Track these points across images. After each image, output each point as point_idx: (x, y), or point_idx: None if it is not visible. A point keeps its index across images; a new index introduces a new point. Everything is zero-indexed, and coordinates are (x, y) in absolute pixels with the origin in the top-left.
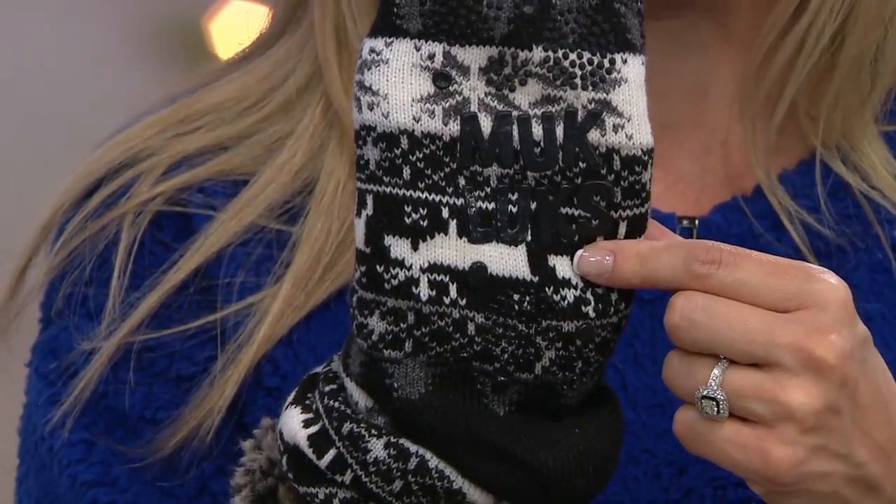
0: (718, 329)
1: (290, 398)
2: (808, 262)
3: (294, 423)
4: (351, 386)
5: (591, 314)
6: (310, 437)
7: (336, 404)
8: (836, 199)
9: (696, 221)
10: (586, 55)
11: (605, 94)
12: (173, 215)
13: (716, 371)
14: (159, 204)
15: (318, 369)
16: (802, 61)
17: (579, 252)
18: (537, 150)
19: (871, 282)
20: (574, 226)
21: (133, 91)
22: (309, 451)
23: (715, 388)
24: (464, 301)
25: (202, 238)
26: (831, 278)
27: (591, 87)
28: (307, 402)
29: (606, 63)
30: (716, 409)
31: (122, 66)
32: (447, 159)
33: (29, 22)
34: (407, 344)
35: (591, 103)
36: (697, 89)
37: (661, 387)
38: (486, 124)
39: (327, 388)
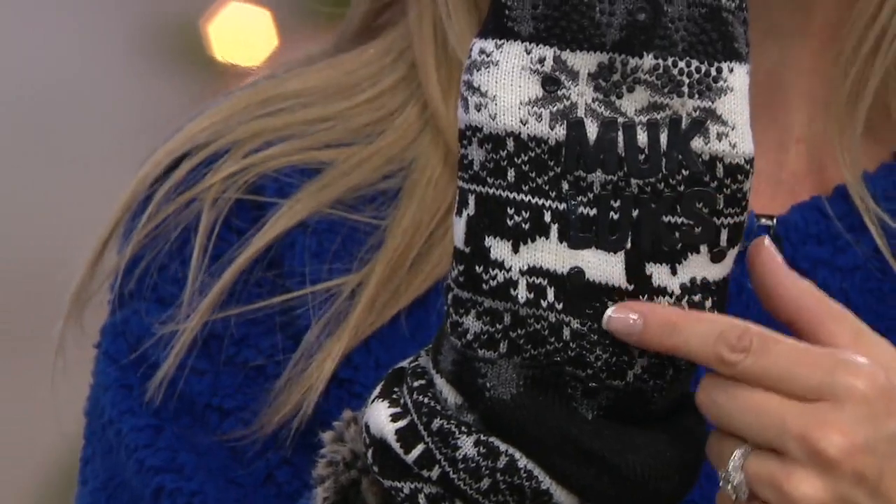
0: (736, 412)
1: (376, 392)
2: (889, 266)
3: (381, 417)
4: (441, 382)
5: None
6: (398, 432)
7: (425, 400)
8: None
9: (775, 220)
10: (694, 63)
11: (710, 103)
12: (250, 202)
13: (737, 453)
14: (239, 187)
15: (405, 364)
16: (882, 55)
17: (608, 312)
18: (641, 157)
19: None
20: (677, 233)
21: (131, 92)
22: (396, 445)
23: (732, 471)
24: (560, 305)
25: (273, 219)
26: (864, 370)
27: (697, 96)
28: (394, 396)
29: (714, 71)
30: (738, 491)
31: (119, 66)
32: (552, 163)
33: (25, 23)
34: (502, 345)
35: (695, 111)
36: (774, 82)
37: None
38: (591, 130)
39: (416, 384)
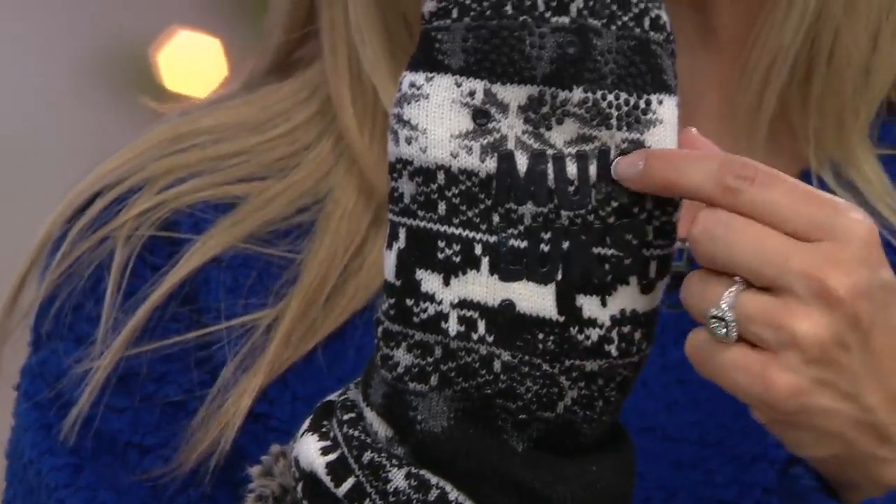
0: (736, 246)
1: (305, 425)
2: None
3: (311, 450)
4: (371, 415)
5: (614, 353)
6: (328, 465)
7: (355, 433)
8: None
9: (687, 243)
10: (623, 96)
11: (639, 135)
12: (165, 239)
13: (729, 292)
14: (152, 223)
15: (333, 397)
16: (777, 69)
17: (617, 159)
18: (571, 189)
19: None
20: (607, 265)
21: (80, 120)
22: (326, 479)
23: (726, 308)
24: (491, 338)
25: (189, 252)
26: (862, 217)
27: (625, 128)
28: (324, 429)
29: (642, 104)
30: (724, 330)
31: (68, 95)
32: (482, 196)
33: None
34: (433, 378)
35: (624, 143)
36: (684, 96)
37: (650, 409)
38: (521, 162)
39: (346, 417)
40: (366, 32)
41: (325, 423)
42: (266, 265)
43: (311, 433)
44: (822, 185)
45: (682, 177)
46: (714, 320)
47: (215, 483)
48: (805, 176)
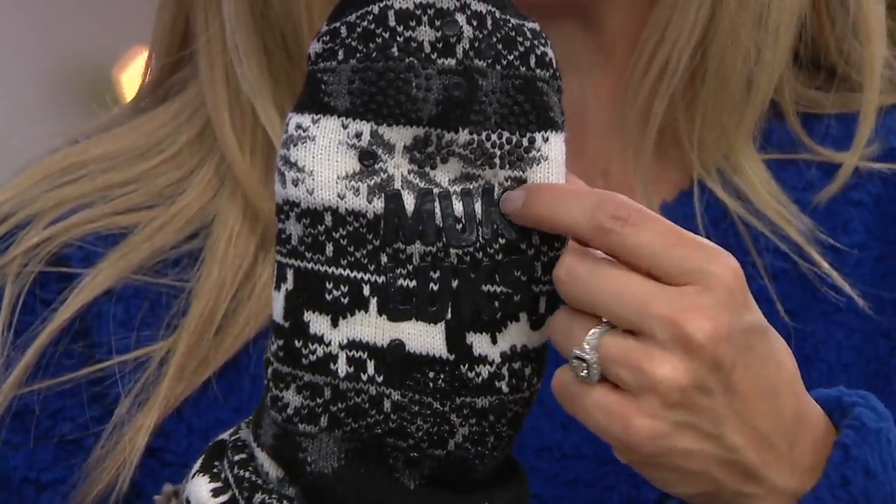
0: (596, 288)
1: (196, 466)
2: None
3: (202, 492)
4: (262, 456)
5: (505, 389)
6: None
7: (246, 474)
8: (717, 228)
9: None
10: (506, 134)
11: (521, 172)
12: (56, 274)
13: (592, 332)
14: (44, 258)
15: (225, 436)
16: (667, 80)
17: (504, 194)
18: (459, 227)
19: None
20: (496, 302)
21: (43, 140)
22: None
23: (588, 349)
24: (381, 378)
25: (80, 286)
26: (729, 261)
27: (508, 166)
28: (215, 470)
29: (525, 142)
30: (586, 371)
31: (30, 114)
32: (370, 237)
33: None
34: (322, 419)
35: (507, 181)
36: (576, 115)
37: (548, 429)
38: (409, 202)
39: (237, 458)
40: (243, 52)
41: (216, 463)
42: (157, 296)
43: (202, 474)
44: (710, 194)
45: (557, 214)
46: (577, 360)
47: None
48: (695, 184)
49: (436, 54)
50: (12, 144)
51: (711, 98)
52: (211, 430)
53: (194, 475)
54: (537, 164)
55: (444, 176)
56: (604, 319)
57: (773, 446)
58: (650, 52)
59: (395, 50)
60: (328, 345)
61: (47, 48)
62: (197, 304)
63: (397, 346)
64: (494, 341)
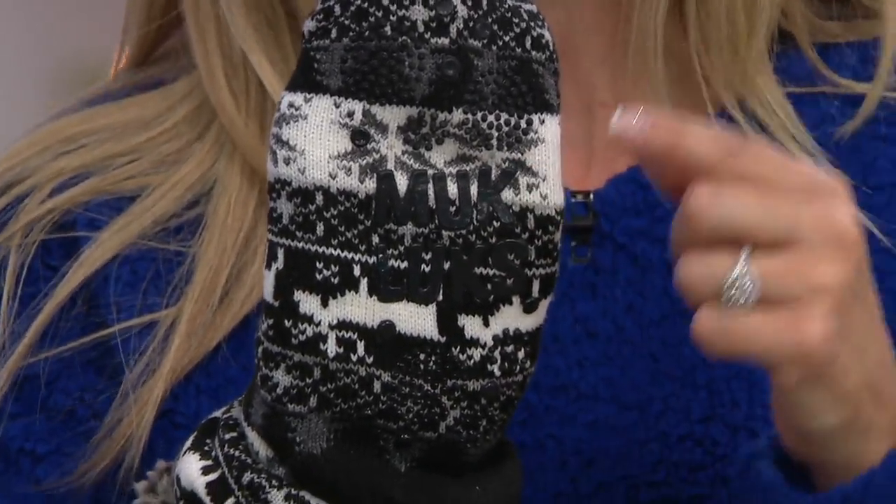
0: (746, 208)
1: (188, 443)
2: None
3: (192, 470)
4: (252, 435)
5: (497, 373)
6: (208, 485)
7: (236, 453)
8: None
9: (591, 196)
10: (504, 116)
11: (519, 154)
12: (60, 239)
13: (742, 257)
14: (46, 226)
15: (218, 414)
16: (657, 3)
17: (618, 111)
18: (452, 209)
19: None
20: (489, 285)
21: None
22: (207, 499)
23: (744, 272)
24: (371, 359)
25: (84, 256)
26: (836, 177)
27: (506, 148)
28: (206, 448)
29: (523, 123)
30: (744, 296)
31: (31, 113)
32: (362, 217)
33: None
34: (312, 399)
35: (505, 162)
36: (567, 45)
37: (563, 367)
38: (401, 182)
39: (227, 436)
40: (234, 6)
41: (207, 441)
42: (163, 262)
43: (192, 452)
44: (732, 122)
45: (686, 142)
46: (732, 289)
47: (104, 489)
48: (718, 115)
49: (429, 33)
50: (11, 141)
51: (713, 22)
52: (221, 388)
53: (185, 452)
54: (535, 147)
55: (439, 157)
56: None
57: (888, 374)
58: None
59: (387, 29)
60: (318, 325)
61: (47, 48)
62: (201, 269)
63: (388, 327)
64: (487, 324)
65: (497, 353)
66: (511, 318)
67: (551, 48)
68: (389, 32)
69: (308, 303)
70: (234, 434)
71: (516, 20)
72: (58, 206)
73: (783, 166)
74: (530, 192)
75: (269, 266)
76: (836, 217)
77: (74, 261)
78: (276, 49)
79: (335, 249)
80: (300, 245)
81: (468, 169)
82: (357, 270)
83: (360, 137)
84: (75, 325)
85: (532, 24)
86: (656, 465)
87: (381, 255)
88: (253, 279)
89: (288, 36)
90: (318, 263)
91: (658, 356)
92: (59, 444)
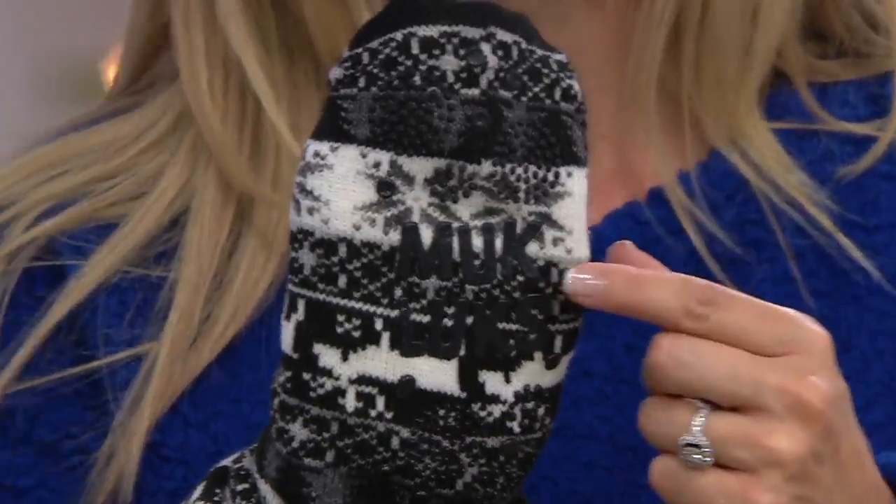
0: (706, 369)
1: (197, 493)
2: (709, 269)
3: None
4: (265, 488)
5: (517, 429)
6: None
7: None
8: (731, 202)
9: (590, 232)
10: (532, 168)
11: (546, 208)
12: (46, 268)
13: (699, 416)
14: (31, 254)
15: (228, 462)
16: (655, 27)
17: (570, 272)
18: (477, 263)
19: (774, 293)
20: (511, 340)
21: (29, 136)
22: None
23: (699, 433)
24: (390, 414)
25: (69, 287)
26: (815, 325)
27: (533, 200)
28: (216, 498)
29: (551, 176)
30: (699, 456)
31: (18, 108)
32: (385, 269)
33: None
34: (329, 454)
35: (531, 216)
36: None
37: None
38: (426, 235)
39: (239, 487)
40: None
41: (217, 491)
42: (148, 289)
43: (203, 502)
44: (726, 169)
45: (644, 300)
46: (688, 448)
47: None
48: (709, 159)
49: (459, 84)
50: (0, 139)
51: (709, 59)
52: (210, 421)
53: (195, 502)
54: (562, 200)
55: (465, 210)
56: (701, 403)
57: None
58: (645, 8)
59: (417, 78)
60: (337, 378)
61: (34, 44)
62: (179, 294)
63: (408, 381)
64: (508, 380)
65: (517, 410)
66: (532, 374)
67: (580, 99)
68: (419, 82)
69: (328, 356)
70: (246, 486)
71: (546, 70)
72: (42, 234)
73: (757, 316)
74: (555, 246)
75: (288, 317)
76: (801, 383)
77: (60, 291)
78: (265, 53)
79: (357, 302)
80: (322, 297)
81: (493, 222)
82: (379, 324)
83: (385, 188)
84: (61, 357)
85: (562, 74)
86: None
87: (403, 309)
88: (237, 297)
89: (275, 33)
90: (339, 316)
91: None
92: (43, 479)
